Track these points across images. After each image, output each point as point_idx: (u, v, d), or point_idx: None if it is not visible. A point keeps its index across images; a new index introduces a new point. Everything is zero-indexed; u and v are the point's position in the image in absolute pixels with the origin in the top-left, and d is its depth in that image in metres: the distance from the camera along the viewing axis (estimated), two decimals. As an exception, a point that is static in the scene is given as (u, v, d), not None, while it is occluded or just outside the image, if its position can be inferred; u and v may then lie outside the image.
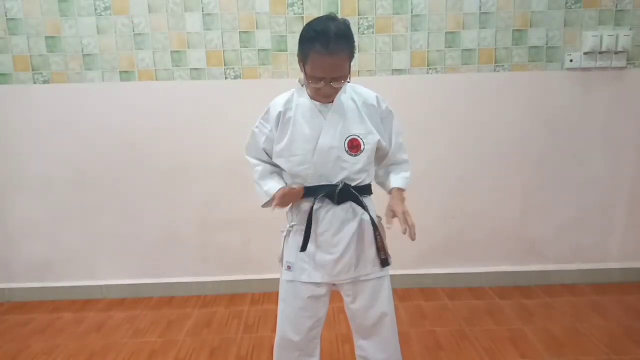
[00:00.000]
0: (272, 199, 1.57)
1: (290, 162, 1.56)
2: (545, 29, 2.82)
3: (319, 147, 1.52)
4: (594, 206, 3.00)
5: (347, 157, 1.54)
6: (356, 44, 1.49)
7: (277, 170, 1.64)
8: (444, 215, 3.00)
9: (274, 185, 1.59)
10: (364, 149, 1.55)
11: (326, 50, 1.39)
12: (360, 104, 1.57)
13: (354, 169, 1.56)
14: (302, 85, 1.57)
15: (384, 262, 1.62)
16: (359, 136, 1.55)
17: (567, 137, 2.92)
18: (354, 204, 1.58)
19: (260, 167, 1.64)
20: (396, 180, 1.67)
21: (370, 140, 1.56)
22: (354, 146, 1.54)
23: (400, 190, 1.65)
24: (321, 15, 1.49)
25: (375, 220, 1.62)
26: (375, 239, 1.59)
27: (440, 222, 3.00)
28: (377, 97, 1.61)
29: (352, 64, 1.49)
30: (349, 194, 1.56)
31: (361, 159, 1.56)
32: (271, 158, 1.62)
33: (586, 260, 3.06)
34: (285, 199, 1.56)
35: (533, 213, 3.01)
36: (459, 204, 2.99)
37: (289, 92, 1.61)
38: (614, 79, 2.86)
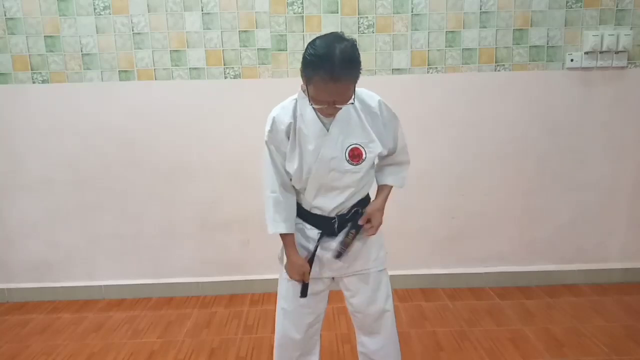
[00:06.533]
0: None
1: (300, 181, 1.56)
2: (546, 28, 2.81)
3: (319, 158, 1.50)
4: (595, 206, 3.00)
5: (347, 166, 1.52)
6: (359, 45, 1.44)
7: (292, 200, 1.63)
8: (444, 215, 2.99)
9: (281, 226, 1.59)
10: (365, 157, 1.53)
11: (330, 77, 1.33)
12: (363, 111, 1.53)
13: (354, 178, 1.55)
14: (304, 93, 1.49)
15: (338, 254, 1.60)
16: (360, 145, 1.52)
17: (568, 137, 2.92)
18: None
19: (275, 195, 1.58)
20: (393, 179, 1.69)
21: (372, 148, 1.54)
22: (355, 155, 1.52)
23: (389, 187, 1.68)
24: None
25: (360, 220, 1.62)
26: (347, 234, 1.60)
27: (440, 222, 2.99)
28: (379, 102, 1.56)
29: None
30: (345, 222, 1.61)
31: (362, 168, 1.54)
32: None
33: (587, 261, 3.05)
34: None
35: (533, 213, 3.00)
36: (459, 204, 2.98)
37: (291, 102, 1.55)
38: (615, 79, 2.85)
